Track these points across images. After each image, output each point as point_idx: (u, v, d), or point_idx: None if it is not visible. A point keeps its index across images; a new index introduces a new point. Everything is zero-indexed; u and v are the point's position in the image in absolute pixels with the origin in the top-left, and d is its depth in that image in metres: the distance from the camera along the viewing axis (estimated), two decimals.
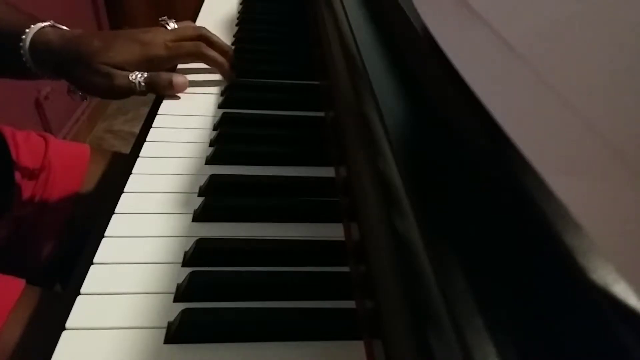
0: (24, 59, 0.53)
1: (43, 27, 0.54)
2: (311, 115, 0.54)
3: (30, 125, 0.88)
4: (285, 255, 0.36)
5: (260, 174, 0.44)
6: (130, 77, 0.53)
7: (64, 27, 0.56)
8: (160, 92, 0.55)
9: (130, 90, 0.54)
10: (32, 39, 0.53)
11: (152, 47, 0.54)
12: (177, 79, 0.55)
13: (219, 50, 0.59)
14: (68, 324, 0.30)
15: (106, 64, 0.52)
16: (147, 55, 0.54)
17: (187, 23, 0.62)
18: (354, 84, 0.36)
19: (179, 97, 0.55)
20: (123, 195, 0.41)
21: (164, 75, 0.54)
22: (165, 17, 0.60)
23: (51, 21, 0.55)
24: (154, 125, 0.50)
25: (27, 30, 0.53)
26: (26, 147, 0.63)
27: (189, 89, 0.57)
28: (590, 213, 0.16)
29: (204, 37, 0.58)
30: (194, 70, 0.60)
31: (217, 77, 0.60)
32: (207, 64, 0.58)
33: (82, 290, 0.33)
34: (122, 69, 0.53)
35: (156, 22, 0.59)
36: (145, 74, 0.54)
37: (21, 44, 0.53)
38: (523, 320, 0.17)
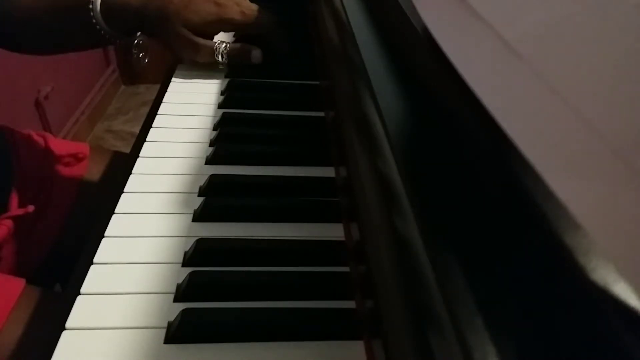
0: (94, 20, 0.54)
1: None
2: (311, 115, 0.54)
3: (30, 125, 0.88)
4: (285, 255, 0.36)
5: (260, 174, 0.44)
6: (215, 47, 0.57)
7: None
8: (241, 59, 0.59)
9: (212, 57, 0.58)
10: (102, 1, 0.54)
11: (227, 9, 0.56)
12: (255, 51, 0.59)
13: None
14: (68, 324, 0.30)
15: (186, 25, 0.55)
16: (222, 16, 0.56)
17: None
18: (354, 84, 0.36)
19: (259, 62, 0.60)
20: (123, 195, 0.41)
21: (242, 46, 0.58)
22: None
23: None
24: (154, 125, 0.50)
25: None
26: (26, 146, 0.63)
27: (189, 89, 0.57)
28: (590, 213, 0.16)
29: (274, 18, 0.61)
30: (195, 69, 0.60)
31: (216, 77, 0.60)
32: (271, 40, 0.61)
33: (82, 290, 0.33)
34: (199, 30, 0.56)
35: None
36: (228, 44, 0.57)
37: (91, 6, 0.54)
38: (523, 320, 0.17)
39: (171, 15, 0.54)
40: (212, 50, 0.57)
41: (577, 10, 0.24)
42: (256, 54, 0.59)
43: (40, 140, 0.64)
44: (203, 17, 0.55)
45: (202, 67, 0.60)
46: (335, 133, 0.47)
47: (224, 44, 0.57)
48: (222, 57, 0.58)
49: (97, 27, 0.55)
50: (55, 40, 0.62)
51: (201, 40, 0.57)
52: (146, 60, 0.61)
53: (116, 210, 0.39)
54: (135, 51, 0.59)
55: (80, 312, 0.31)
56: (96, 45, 0.60)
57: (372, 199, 0.30)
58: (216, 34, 0.59)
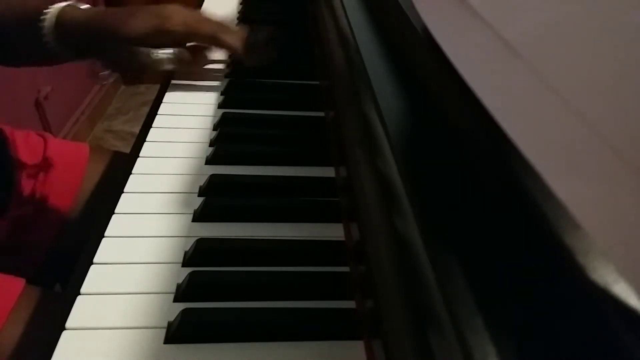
0: (45, 39, 0.53)
1: (66, 5, 0.54)
2: (311, 115, 0.54)
3: (30, 125, 0.89)
4: (285, 255, 0.36)
5: (260, 174, 0.44)
6: (152, 56, 0.55)
7: (85, 5, 0.56)
8: (184, 66, 0.57)
9: (154, 67, 0.56)
10: (57, 19, 0.53)
11: (170, 21, 0.55)
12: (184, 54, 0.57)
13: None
14: (68, 324, 0.30)
15: (128, 39, 0.53)
16: (164, 27, 0.54)
17: None
18: (354, 84, 0.36)
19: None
20: (123, 195, 0.41)
21: (186, 53, 0.57)
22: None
23: (72, 0, 0.56)
24: (154, 125, 0.50)
25: (46, 11, 0.53)
26: (25, 146, 0.62)
27: (189, 89, 0.57)
28: (590, 213, 0.16)
29: (223, 27, 0.58)
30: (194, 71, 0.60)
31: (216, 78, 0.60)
32: (222, 48, 0.59)
33: (82, 290, 0.33)
34: (141, 42, 0.54)
35: None
36: (170, 52, 0.56)
37: (41, 24, 0.53)
38: (523, 320, 0.17)
39: (114, 30, 0.53)
40: (150, 57, 0.55)
41: (577, 10, 0.24)
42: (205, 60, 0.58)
43: (40, 140, 0.64)
44: (143, 30, 0.53)
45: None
46: (335, 133, 0.47)
47: (161, 52, 0.56)
48: (164, 63, 0.56)
49: (49, 45, 0.54)
50: (19, 55, 0.61)
51: (143, 54, 0.55)
52: (111, 79, 0.60)
53: (116, 210, 0.39)
54: (96, 71, 0.58)
55: (80, 312, 0.31)
56: (48, 61, 0.59)
57: (372, 199, 0.30)
58: (161, 45, 0.57)
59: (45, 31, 0.53)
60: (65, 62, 0.58)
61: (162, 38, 0.55)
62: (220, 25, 0.58)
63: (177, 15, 0.55)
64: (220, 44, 0.57)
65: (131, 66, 0.56)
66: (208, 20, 0.57)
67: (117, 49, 0.54)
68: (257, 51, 0.59)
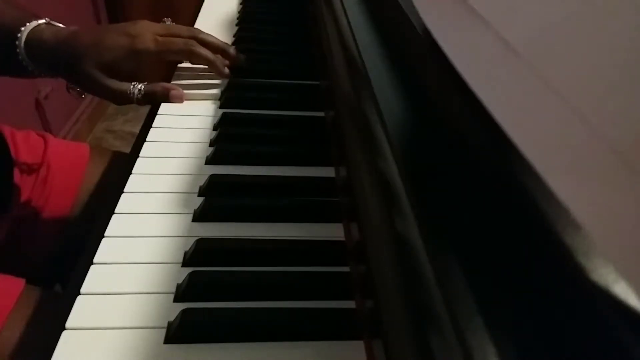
0: (20, 57, 0.53)
1: (38, 24, 0.54)
2: (311, 115, 0.54)
3: (30, 125, 0.88)
4: (285, 255, 0.36)
5: (260, 174, 0.44)
6: (128, 90, 0.53)
7: (60, 25, 0.56)
8: (158, 101, 0.55)
9: (128, 100, 0.54)
10: (27, 37, 0.53)
11: (140, 39, 0.53)
12: (174, 92, 0.55)
13: (214, 50, 0.58)
14: (68, 324, 0.30)
15: (98, 66, 0.52)
16: (135, 47, 0.53)
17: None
18: (354, 84, 0.36)
19: (181, 102, 0.56)
20: (123, 195, 0.41)
21: (160, 87, 0.55)
22: (168, 19, 0.60)
23: (47, 18, 0.55)
24: (154, 125, 0.50)
25: (22, 28, 0.53)
26: (25, 146, 0.63)
27: (189, 90, 0.57)
28: (590, 213, 0.16)
29: (197, 38, 0.57)
30: (195, 70, 0.60)
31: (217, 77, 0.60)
32: (199, 63, 0.57)
33: (82, 290, 0.33)
34: (112, 66, 0.53)
35: (156, 22, 0.59)
36: (143, 86, 0.54)
37: (17, 42, 0.53)
38: (523, 320, 0.17)
39: (81, 55, 0.52)
40: (126, 93, 0.54)
41: (577, 10, 0.24)
42: (176, 94, 0.55)
43: (40, 140, 0.64)
44: (116, 52, 0.52)
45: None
46: (335, 133, 0.47)
47: (139, 86, 0.54)
48: (138, 100, 0.54)
49: (24, 62, 0.54)
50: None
51: (114, 84, 0.53)
52: (83, 96, 0.59)
53: (116, 210, 0.39)
54: (71, 87, 0.58)
55: (80, 312, 0.31)
56: (28, 76, 0.58)
57: (372, 199, 0.30)
58: (135, 67, 0.55)
59: (19, 49, 0.53)
60: (43, 77, 0.57)
61: (134, 59, 0.53)
62: (192, 35, 0.57)
63: (147, 33, 0.54)
64: (196, 59, 0.56)
65: (106, 94, 0.54)
66: (179, 33, 0.56)
67: (87, 73, 0.52)
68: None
